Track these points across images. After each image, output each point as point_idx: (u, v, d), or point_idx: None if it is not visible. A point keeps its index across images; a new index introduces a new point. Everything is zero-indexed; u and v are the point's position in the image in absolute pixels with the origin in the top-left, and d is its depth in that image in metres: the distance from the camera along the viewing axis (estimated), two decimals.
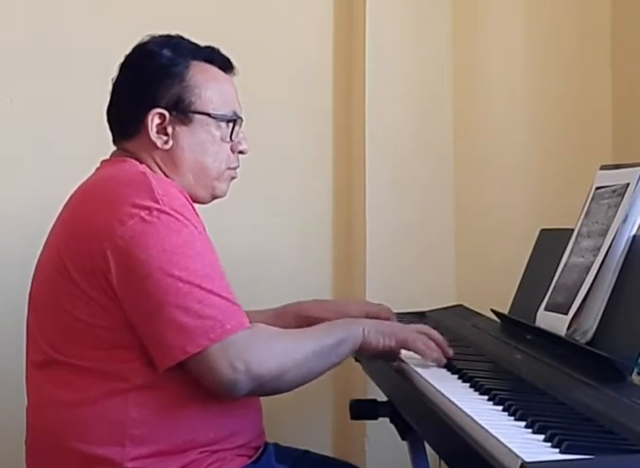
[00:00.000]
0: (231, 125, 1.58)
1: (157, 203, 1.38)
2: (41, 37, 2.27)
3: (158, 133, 1.53)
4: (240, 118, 1.60)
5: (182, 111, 1.53)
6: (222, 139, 1.57)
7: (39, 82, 2.27)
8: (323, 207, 2.49)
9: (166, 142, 1.53)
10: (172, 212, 1.38)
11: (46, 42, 2.28)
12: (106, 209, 1.40)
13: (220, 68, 1.60)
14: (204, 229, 1.46)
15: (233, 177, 1.62)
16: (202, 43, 1.60)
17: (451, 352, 1.56)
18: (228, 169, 1.60)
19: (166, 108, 1.52)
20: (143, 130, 1.53)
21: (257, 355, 1.36)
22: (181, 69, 1.54)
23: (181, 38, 1.59)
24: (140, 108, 1.52)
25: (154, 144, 1.53)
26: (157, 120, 1.52)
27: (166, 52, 1.55)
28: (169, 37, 1.58)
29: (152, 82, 1.53)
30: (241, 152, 1.62)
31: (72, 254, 1.41)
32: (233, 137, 1.59)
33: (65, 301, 1.41)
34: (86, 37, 2.30)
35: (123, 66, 1.59)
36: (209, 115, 1.55)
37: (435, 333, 1.56)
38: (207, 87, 1.55)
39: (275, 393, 1.46)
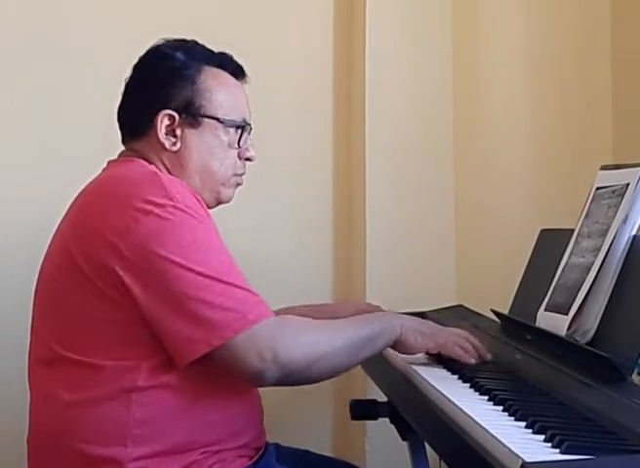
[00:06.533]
0: (240, 131, 1.59)
1: (171, 200, 1.38)
2: (41, 37, 2.27)
3: (167, 134, 1.54)
4: (249, 125, 1.61)
5: (192, 114, 1.54)
6: (230, 145, 1.58)
7: (39, 82, 2.27)
8: (323, 207, 2.49)
9: (174, 144, 1.54)
10: (186, 209, 1.39)
11: (46, 42, 2.28)
12: (119, 207, 1.40)
13: (233, 75, 1.61)
14: (216, 227, 1.46)
15: (239, 184, 1.63)
16: (215, 49, 1.61)
17: (489, 356, 1.57)
18: (234, 175, 1.61)
19: (176, 110, 1.54)
20: (152, 130, 1.54)
21: (283, 344, 1.36)
22: (194, 73, 1.55)
23: (196, 43, 1.60)
24: (151, 109, 1.54)
25: (162, 145, 1.54)
26: (166, 121, 1.54)
27: (179, 55, 1.56)
28: (183, 41, 1.60)
29: (164, 83, 1.54)
30: (248, 159, 1.63)
31: (84, 251, 1.40)
32: (241, 144, 1.60)
33: (76, 297, 1.41)
34: (86, 37, 2.30)
35: (136, 67, 1.60)
36: (218, 120, 1.56)
37: (472, 338, 1.58)
38: (218, 91, 1.56)
39: (302, 383, 1.47)
